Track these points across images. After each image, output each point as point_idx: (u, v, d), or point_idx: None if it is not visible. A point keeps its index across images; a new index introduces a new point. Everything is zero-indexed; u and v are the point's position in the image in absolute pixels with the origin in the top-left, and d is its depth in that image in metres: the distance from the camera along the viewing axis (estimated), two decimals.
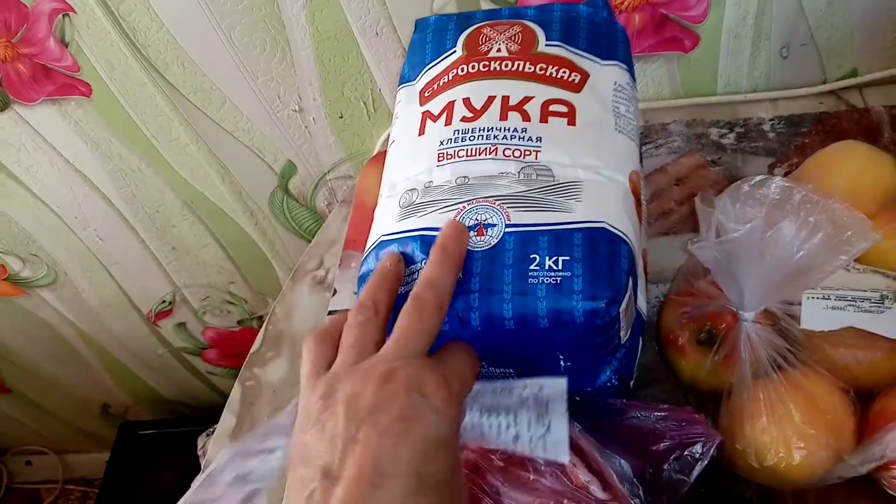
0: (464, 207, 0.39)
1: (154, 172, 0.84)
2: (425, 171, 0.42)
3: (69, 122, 0.78)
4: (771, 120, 0.68)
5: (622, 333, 0.40)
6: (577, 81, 0.42)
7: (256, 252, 0.96)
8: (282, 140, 0.79)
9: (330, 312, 0.63)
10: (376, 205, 0.46)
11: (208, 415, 1.30)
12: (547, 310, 0.36)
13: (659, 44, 0.69)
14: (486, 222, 0.38)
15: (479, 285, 0.37)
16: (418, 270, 0.38)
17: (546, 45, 0.42)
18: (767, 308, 0.46)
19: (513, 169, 0.40)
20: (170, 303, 1.06)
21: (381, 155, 0.76)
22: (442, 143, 0.42)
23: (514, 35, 0.42)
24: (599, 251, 0.37)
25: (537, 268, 0.37)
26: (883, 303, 0.45)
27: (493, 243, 0.38)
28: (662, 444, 0.44)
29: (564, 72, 0.42)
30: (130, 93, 0.74)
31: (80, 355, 1.19)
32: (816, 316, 0.45)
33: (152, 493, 1.29)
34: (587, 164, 0.40)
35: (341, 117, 0.77)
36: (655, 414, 0.44)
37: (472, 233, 0.38)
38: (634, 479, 0.45)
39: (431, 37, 0.46)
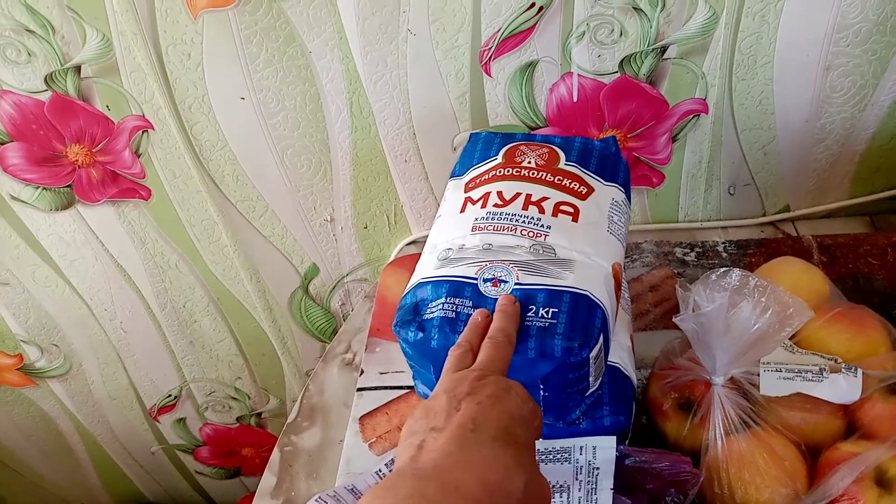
0: (486, 265, 0.51)
1: (189, 270, 0.94)
2: (460, 237, 0.55)
3: (123, 222, 0.89)
4: (723, 243, 0.84)
5: (591, 379, 0.51)
6: (584, 193, 0.56)
7: (268, 348, 1.04)
8: (311, 245, 0.91)
9: (359, 390, 0.73)
10: (397, 301, 0.56)
11: None
12: (535, 344, 0.48)
13: (632, 180, 0.85)
14: (500, 278, 0.51)
15: None
16: (449, 303, 0.50)
17: (565, 163, 0.57)
18: (734, 376, 0.58)
19: (526, 244, 0.53)
20: (175, 397, 1.12)
21: (400, 259, 0.89)
22: (477, 219, 0.55)
23: (543, 153, 0.57)
24: (581, 310, 0.49)
25: (533, 315, 0.49)
26: (822, 373, 0.57)
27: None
28: (657, 482, 0.54)
29: (575, 184, 0.56)
30: (185, 199, 0.86)
31: (71, 451, 1.22)
32: (772, 384, 0.57)
33: None
34: (581, 250, 0.53)
35: (366, 227, 0.89)
36: (649, 457, 0.54)
37: (488, 284, 0.50)
38: None
39: (480, 146, 0.60)
